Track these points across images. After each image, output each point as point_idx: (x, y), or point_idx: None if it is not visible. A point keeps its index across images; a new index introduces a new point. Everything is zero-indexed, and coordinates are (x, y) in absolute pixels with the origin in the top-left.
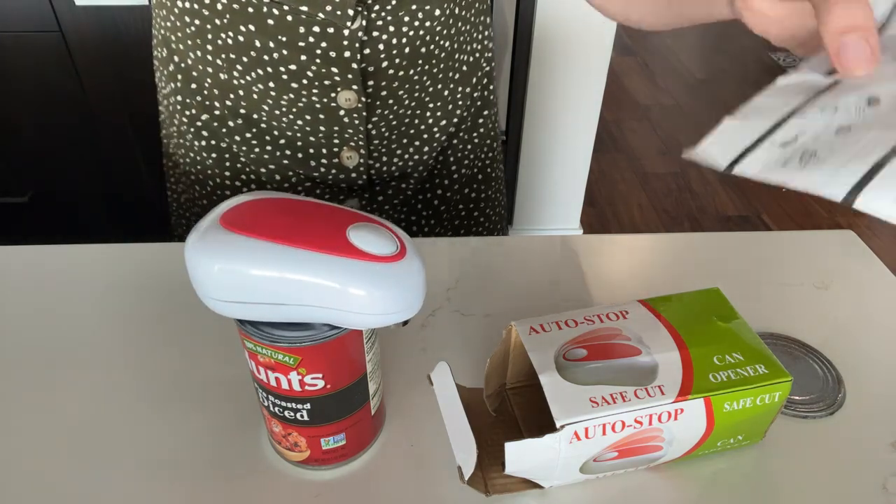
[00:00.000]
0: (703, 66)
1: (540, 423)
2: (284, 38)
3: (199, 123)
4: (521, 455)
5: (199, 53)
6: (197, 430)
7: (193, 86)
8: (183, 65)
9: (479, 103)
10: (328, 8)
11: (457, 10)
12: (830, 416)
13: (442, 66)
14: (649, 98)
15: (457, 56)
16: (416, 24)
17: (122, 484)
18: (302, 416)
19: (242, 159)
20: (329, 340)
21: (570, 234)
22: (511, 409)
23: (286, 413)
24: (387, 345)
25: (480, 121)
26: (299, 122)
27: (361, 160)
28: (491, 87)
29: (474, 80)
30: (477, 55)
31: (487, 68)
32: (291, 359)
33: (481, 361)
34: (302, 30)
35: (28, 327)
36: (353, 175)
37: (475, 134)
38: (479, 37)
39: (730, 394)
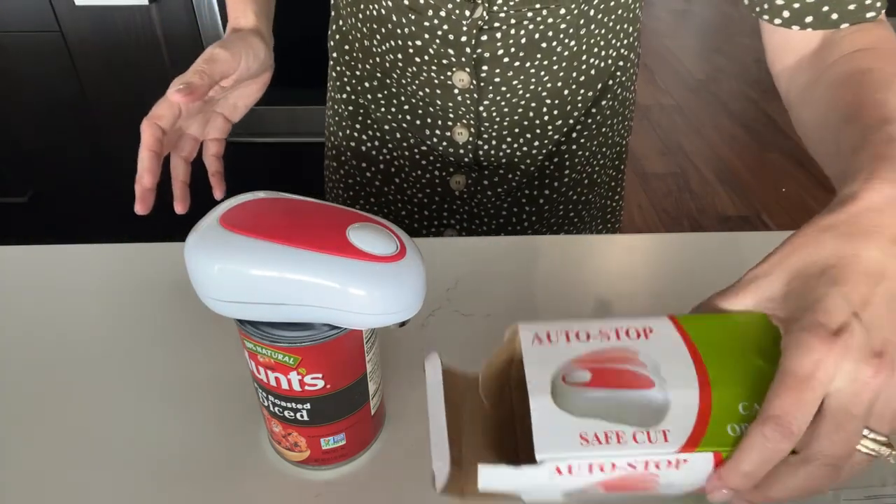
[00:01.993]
0: (703, 66)
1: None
2: (413, 17)
3: (344, 79)
4: (496, 479)
5: (352, 20)
6: (197, 431)
7: (346, 46)
8: (344, 27)
9: (606, 112)
10: (449, 6)
11: (591, 12)
12: None
13: (564, 64)
14: (649, 98)
15: (584, 58)
16: (539, 19)
17: (122, 483)
18: (302, 416)
19: (372, 116)
20: (329, 340)
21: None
22: (510, 400)
23: (286, 413)
24: (387, 345)
25: (604, 129)
26: (420, 93)
27: (471, 138)
28: (623, 97)
29: (600, 85)
30: (609, 62)
31: (623, 78)
32: (291, 359)
33: (480, 362)
34: (430, 12)
35: (28, 327)
36: (461, 151)
37: (595, 142)
38: (618, 44)
39: None
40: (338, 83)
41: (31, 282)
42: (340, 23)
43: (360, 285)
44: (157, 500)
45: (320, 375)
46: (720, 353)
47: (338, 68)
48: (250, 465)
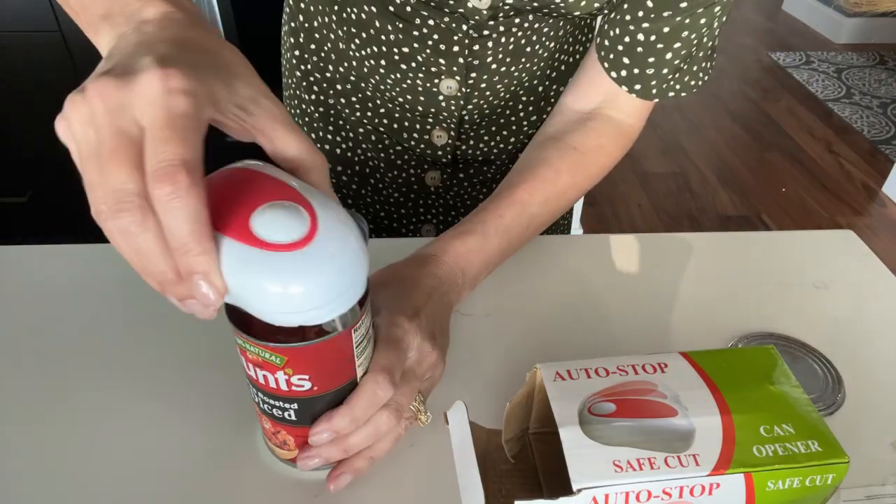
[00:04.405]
0: None
1: (561, 476)
2: (401, 24)
3: (311, 79)
4: None
5: (324, 20)
6: (198, 430)
7: (313, 46)
8: (307, 25)
9: None
10: (446, 20)
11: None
12: (830, 415)
13: (542, 64)
14: None
15: (557, 56)
16: (526, 25)
17: (121, 482)
18: (290, 415)
19: (343, 117)
20: (315, 344)
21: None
22: (532, 457)
23: (275, 411)
24: None
25: None
26: (400, 99)
27: (450, 140)
28: None
29: (569, 79)
30: (577, 56)
31: None
32: (278, 358)
33: (480, 362)
34: (418, 21)
35: (28, 327)
36: (440, 152)
37: None
38: (583, 38)
39: (775, 471)
40: (303, 83)
41: (31, 282)
42: (302, 19)
43: (247, 276)
44: (156, 499)
45: (307, 377)
46: (734, 383)
47: (302, 67)
48: (251, 465)
